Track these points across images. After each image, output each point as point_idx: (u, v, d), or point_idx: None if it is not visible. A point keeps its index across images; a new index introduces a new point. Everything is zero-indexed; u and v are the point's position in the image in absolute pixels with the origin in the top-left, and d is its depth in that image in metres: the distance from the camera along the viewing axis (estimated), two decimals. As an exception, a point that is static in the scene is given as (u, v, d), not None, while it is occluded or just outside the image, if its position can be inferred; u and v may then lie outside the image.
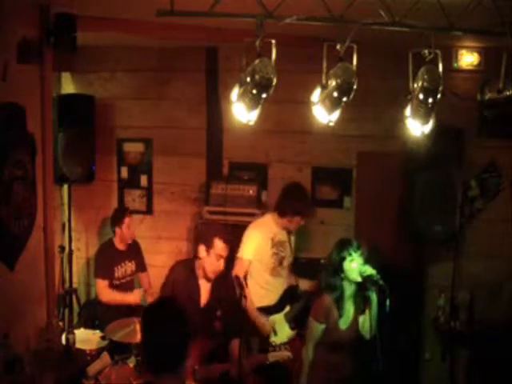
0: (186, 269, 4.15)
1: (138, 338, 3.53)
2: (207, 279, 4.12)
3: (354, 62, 2.83)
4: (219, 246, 4.05)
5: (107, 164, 5.82)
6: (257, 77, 2.70)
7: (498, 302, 4.91)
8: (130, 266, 5.26)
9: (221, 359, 3.94)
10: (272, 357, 3.95)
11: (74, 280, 5.53)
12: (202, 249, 4.08)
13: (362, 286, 3.63)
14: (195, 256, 4.21)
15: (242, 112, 2.88)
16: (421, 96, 2.86)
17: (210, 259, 4.07)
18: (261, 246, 4.53)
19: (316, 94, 2.91)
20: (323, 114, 2.93)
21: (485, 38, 4.08)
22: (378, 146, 5.16)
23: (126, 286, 5.21)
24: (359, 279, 3.59)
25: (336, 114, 2.94)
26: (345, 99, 2.83)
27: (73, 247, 5.49)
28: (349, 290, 3.68)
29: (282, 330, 4.60)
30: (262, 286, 4.55)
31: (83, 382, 3.72)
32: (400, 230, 5.00)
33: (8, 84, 3.30)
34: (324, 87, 2.85)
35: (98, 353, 4.07)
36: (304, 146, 5.42)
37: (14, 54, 3.36)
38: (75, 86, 5.81)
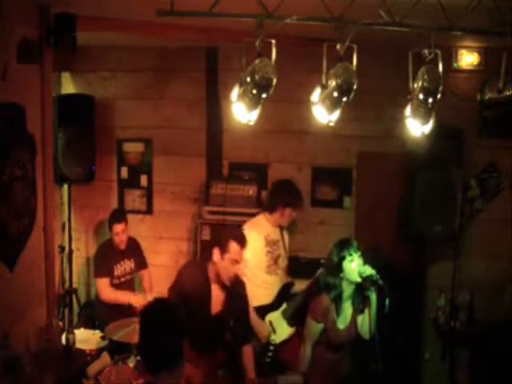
0: (198, 272, 3.88)
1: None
2: (222, 286, 3.85)
3: (354, 62, 2.83)
4: (235, 249, 3.78)
5: (107, 164, 5.82)
6: (257, 77, 2.70)
7: (499, 304, 4.91)
8: (128, 265, 5.27)
9: (230, 368, 3.86)
10: (281, 380, 3.86)
11: (74, 280, 5.54)
12: (216, 252, 3.81)
13: (361, 286, 3.64)
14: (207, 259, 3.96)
15: (241, 112, 2.88)
16: (421, 96, 2.85)
17: (225, 264, 3.78)
18: (255, 246, 4.54)
19: (316, 94, 2.91)
20: (323, 114, 2.93)
21: (485, 37, 4.08)
22: (378, 146, 5.16)
23: (126, 285, 5.21)
24: (358, 280, 3.60)
25: (336, 114, 2.94)
26: (345, 99, 2.83)
27: (73, 247, 5.49)
28: (347, 289, 3.68)
29: (280, 327, 4.61)
30: (259, 285, 4.56)
31: (83, 382, 3.72)
32: (400, 230, 4.99)
33: (8, 84, 3.29)
34: (324, 87, 2.85)
35: (98, 353, 4.07)
36: (304, 146, 5.42)
37: (14, 54, 3.35)
38: (75, 86, 5.81)
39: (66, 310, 5.26)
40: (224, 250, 3.78)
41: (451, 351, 4.93)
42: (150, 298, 4.99)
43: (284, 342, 4.61)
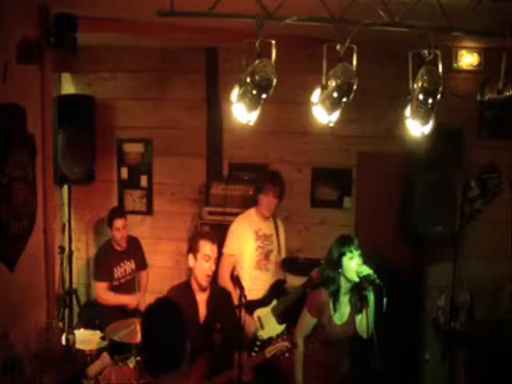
0: (182, 287, 3.95)
1: (139, 338, 3.53)
2: (202, 289, 3.88)
3: (354, 62, 2.83)
4: (204, 246, 3.84)
5: (107, 164, 5.83)
6: (257, 77, 2.70)
7: (497, 302, 4.91)
8: (129, 266, 5.26)
9: (221, 373, 3.77)
10: (269, 352, 3.82)
11: (74, 280, 5.53)
12: (190, 258, 3.88)
13: (360, 286, 3.64)
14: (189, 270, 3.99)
15: (241, 112, 2.88)
16: (421, 96, 2.85)
17: (199, 264, 3.83)
18: (244, 240, 4.56)
19: (316, 95, 2.91)
20: (323, 115, 2.93)
21: (485, 38, 4.08)
22: (378, 147, 5.16)
23: (127, 286, 5.21)
24: (356, 279, 3.61)
25: (336, 115, 2.94)
26: (345, 100, 2.83)
27: (73, 248, 5.49)
28: (345, 286, 3.69)
29: (268, 324, 4.60)
30: (246, 279, 4.47)
31: (83, 382, 3.72)
32: (400, 230, 4.99)
33: (8, 84, 3.29)
34: (324, 88, 2.85)
35: (98, 353, 4.07)
36: (304, 146, 5.42)
37: (13, 54, 3.35)
38: (75, 86, 5.81)
39: (66, 311, 5.25)
40: (195, 250, 3.85)
41: (451, 351, 4.92)
42: (143, 297, 5.01)
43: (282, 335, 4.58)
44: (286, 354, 3.76)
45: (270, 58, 2.71)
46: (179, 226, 5.77)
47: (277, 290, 4.75)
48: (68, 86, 5.81)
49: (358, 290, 3.68)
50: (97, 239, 5.90)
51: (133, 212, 5.73)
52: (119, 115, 5.80)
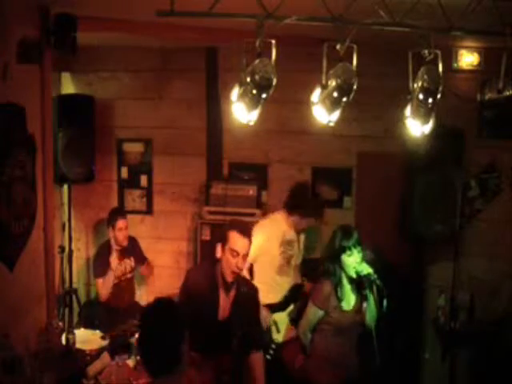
0: (205, 277, 3.65)
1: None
2: (226, 285, 3.60)
3: (354, 62, 2.82)
4: (233, 239, 3.52)
5: (107, 164, 5.83)
6: (257, 77, 2.70)
7: (496, 302, 4.91)
8: (128, 263, 5.26)
9: (235, 375, 3.65)
10: None
11: (74, 280, 5.53)
12: (218, 248, 3.59)
13: (360, 284, 3.67)
14: (215, 259, 3.68)
15: (242, 112, 2.88)
16: (421, 96, 2.86)
17: (226, 258, 3.54)
18: (267, 244, 4.52)
19: (316, 94, 2.91)
20: (323, 114, 2.93)
21: (485, 38, 4.08)
22: (377, 146, 5.17)
23: (127, 284, 5.21)
24: (354, 275, 3.64)
25: (336, 114, 2.94)
26: (345, 99, 2.83)
27: (73, 247, 5.48)
28: (346, 278, 3.73)
29: (284, 328, 4.60)
30: (267, 283, 4.48)
31: (83, 381, 3.71)
32: (400, 230, 4.99)
33: (8, 84, 3.29)
34: (324, 87, 2.85)
35: (98, 353, 4.06)
36: (304, 146, 5.42)
37: (13, 54, 3.35)
38: (75, 86, 5.81)
39: (66, 310, 5.25)
40: (224, 241, 3.57)
41: (451, 351, 4.93)
42: (151, 296, 5.00)
43: (285, 342, 4.60)
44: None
45: (270, 57, 2.71)
46: (179, 226, 5.77)
47: (295, 294, 4.74)
48: (68, 86, 5.81)
49: (358, 288, 3.70)
50: (97, 239, 5.90)
51: (133, 212, 5.73)
52: (119, 115, 5.80)
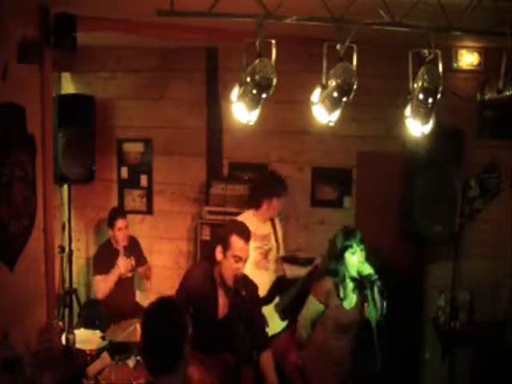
0: (204, 276, 3.60)
1: (139, 337, 3.53)
2: (226, 288, 3.55)
3: (354, 62, 2.83)
4: (237, 244, 3.46)
5: (107, 164, 5.83)
6: (257, 77, 2.70)
7: (496, 301, 4.91)
8: (129, 262, 5.24)
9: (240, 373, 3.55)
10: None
11: (74, 280, 5.53)
12: (218, 251, 3.50)
13: (361, 284, 3.67)
14: (214, 260, 3.60)
15: (241, 112, 2.88)
16: (421, 96, 2.86)
17: (227, 262, 3.46)
18: None
19: (316, 94, 2.91)
20: (323, 114, 2.93)
21: (485, 38, 4.07)
22: (378, 146, 5.16)
23: (127, 283, 5.20)
24: (355, 275, 3.64)
25: (336, 114, 2.94)
26: (345, 99, 2.83)
27: (73, 247, 5.49)
28: (348, 277, 3.73)
29: (272, 321, 4.59)
30: None
31: (83, 381, 3.71)
32: (400, 230, 4.99)
33: (8, 84, 3.29)
34: (324, 87, 2.85)
35: (98, 353, 4.06)
36: (304, 146, 5.42)
37: (14, 54, 3.35)
38: (75, 86, 5.81)
39: (66, 310, 5.25)
40: (225, 245, 3.48)
41: (451, 351, 4.92)
42: (151, 297, 4.98)
43: (276, 336, 4.59)
44: None
45: (269, 57, 2.71)
46: (179, 226, 5.77)
47: (278, 287, 4.76)
48: (68, 86, 5.81)
49: (359, 288, 3.71)
50: (97, 239, 5.90)
51: (133, 212, 5.73)
52: (119, 115, 5.80)
